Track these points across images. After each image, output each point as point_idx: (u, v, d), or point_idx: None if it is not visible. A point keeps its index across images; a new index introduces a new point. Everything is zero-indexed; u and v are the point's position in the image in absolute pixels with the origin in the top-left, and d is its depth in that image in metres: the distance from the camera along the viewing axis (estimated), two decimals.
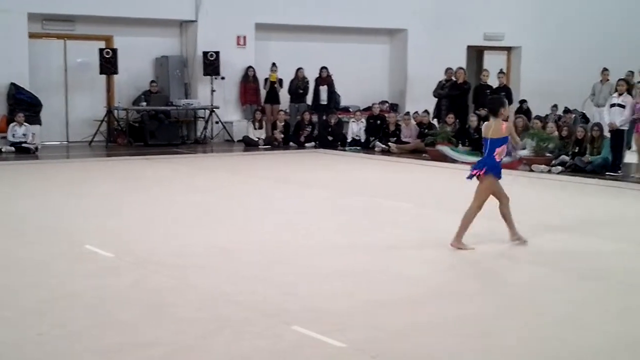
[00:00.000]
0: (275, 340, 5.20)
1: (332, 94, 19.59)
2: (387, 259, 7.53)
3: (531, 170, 14.36)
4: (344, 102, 20.23)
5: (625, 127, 13.83)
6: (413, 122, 18.12)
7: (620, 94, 13.85)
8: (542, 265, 7.35)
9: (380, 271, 7.08)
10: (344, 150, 18.12)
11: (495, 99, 8.65)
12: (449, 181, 13.47)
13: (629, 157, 14.16)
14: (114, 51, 18.07)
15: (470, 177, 8.13)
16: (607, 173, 13.57)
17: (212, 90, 18.93)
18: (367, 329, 5.44)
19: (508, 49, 23.30)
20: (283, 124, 18.86)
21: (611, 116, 13.80)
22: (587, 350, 5.10)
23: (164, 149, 17.25)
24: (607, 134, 14.21)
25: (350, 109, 20.02)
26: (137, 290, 6.35)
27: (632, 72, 18.27)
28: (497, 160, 7.95)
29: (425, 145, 16.77)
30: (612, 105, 13.84)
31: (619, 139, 13.81)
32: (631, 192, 12.21)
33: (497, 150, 7.98)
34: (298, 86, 19.39)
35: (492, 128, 8.04)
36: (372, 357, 4.91)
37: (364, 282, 6.68)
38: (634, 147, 14.04)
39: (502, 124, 8.10)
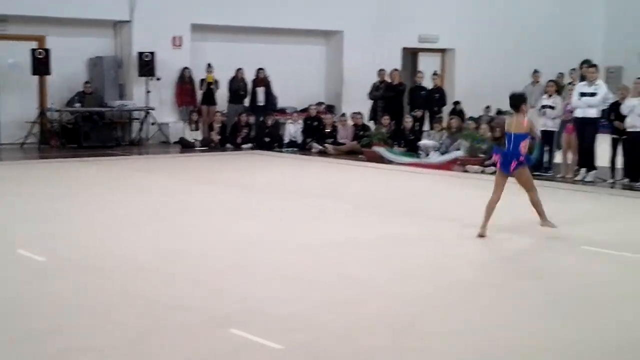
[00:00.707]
0: (214, 344, 5.21)
1: (269, 96, 19.60)
2: (327, 260, 7.59)
3: (465, 171, 14.61)
4: (280, 104, 20.25)
5: (555, 129, 14.15)
6: (349, 123, 18.26)
7: (549, 96, 14.16)
8: (479, 264, 7.50)
9: (321, 272, 7.14)
10: (281, 151, 18.15)
11: (516, 95, 8.93)
12: (385, 182, 13.62)
13: (559, 157, 14.49)
14: (47, 51, 17.76)
15: (507, 171, 8.66)
16: (535, 173, 13.85)
17: (148, 91, 18.75)
18: (308, 330, 5.48)
19: (442, 51, 23.63)
20: (220, 125, 18.80)
21: (541, 117, 14.09)
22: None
23: (98, 151, 17.01)
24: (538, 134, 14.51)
25: (287, 111, 20.06)
26: (74, 295, 6.28)
27: (562, 74, 18.69)
28: (522, 153, 8.51)
29: (361, 146, 16.92)
30: (543, 107, 14.15)
31: (549, 140, 14.13)
32: (562, 191, 12.50)
33: (522, 144, 8.53)
34: (239, 87, 19.36)
35: (515, 123, 8.55)
36: (312, 359, 4.96)
37: (305, 284, 6.72)
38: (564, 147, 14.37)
39: (524, 119, 8.56)
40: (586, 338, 5.42)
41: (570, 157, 13.82)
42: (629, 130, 12.84)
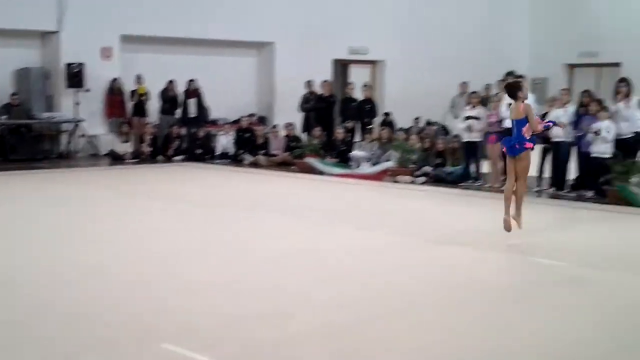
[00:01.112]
0: (145, 358, 5.17)
1: (201, 107, 19.52)
2: (258, 272, 7.59)
3: (396, 182, 14.79)
4: (212, 115, 20.19)
5: (479, 139, 14.43)
6: (281, 134, 18.30)
7: (473, 107, 14.43)
8: (405, 274, 7.59)
9: (252, 284, 7.13)
10: (213, 163, 18.09)
11: (512, 83, 9.39)
12: (318, 193, 13.69)
13: (486, 167, 14.78)
14: None
15: (515, 152, 8.95)
16: (463, 184, 14.12)
17: (77, 103, 18.48)
18: (238, 343, 5.47)
19: (372, 63, 23.88)
20: (151, 137, 18.64)
21: (465, 128, 14.34)
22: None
23: (25, 164, 16.69)
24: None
25: (219, 122, 19.99)
26: None
27: (489, 85, 19.06)
28: (527, 137, 8.86)
29: (294, 157, 16.97)
30: (466, 118, 14.40)
31: (473, 150, 14.39)
32: (490, 201, 12.74)
33: (523, 129, 8.89)
34: (172, 98, 19.24)
35: (514, 110, 9.05)
36: None
37: (234, 296, 6.71)
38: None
39: (520, 105, 8.97)
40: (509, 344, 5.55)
41: (496, 167, 14.08)
42: (554, 140, 13.18)
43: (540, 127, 9.13)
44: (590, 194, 12.84)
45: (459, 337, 5.66)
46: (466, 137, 14.41)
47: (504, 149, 9.30)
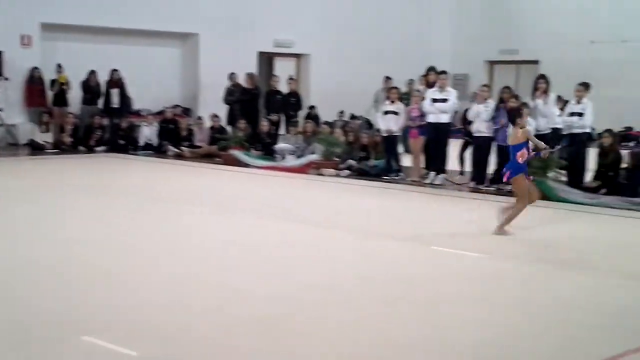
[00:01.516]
0: (64, 350, 5.11)
1: (124, 97, 19.26)
2: (183, 265, 7.54)
3: (320, 174, 14.87)
4: (136, 106, 19.94)
5: (399, 133, 14.61)
6: (206, 126, 18.20)
7: (392, 102, 14.59)
8: (330, 266, 7.66)
9: (176, 277, 7.08)
10: (136, 154, 17.87)
11: (513, 108, 9.88)
12: (243, 185, 13.67)
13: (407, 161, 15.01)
14: None
15: (502, 180, 9.68)
16: (385, 178, 14.29)
17: None
18: (161, 336, 5.44)
19: (297, 56, 23.92)
20: (72, 127, 18.30)
21: (386, 122, 14.50)
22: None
23: None
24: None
25: (142, 113, 19.77)
26: None
27: (412, 80, 19.28)
28: (520, 162, 9.14)
29: (219, 149, 16.90)
30: (386, 112, 14.56)
31: (393, 145, 14.56)
32: (411, 194, 12.96)
33: (518, 154, 9.15)
34: (93, 89, 18.91)
35: (512, 136, 9.37)
36: None
37: (158, 289, 6.66)
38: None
39: (518, 131, 9.23)
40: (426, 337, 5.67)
41: (418, 161, 14.29)
42: (475, 135, 13.44)
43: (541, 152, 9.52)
44: (509, 187, 13.13)
45: (386, 331, 5.74)
46: (385, 132, 14.56)
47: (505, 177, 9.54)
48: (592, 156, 13.00)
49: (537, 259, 8.15)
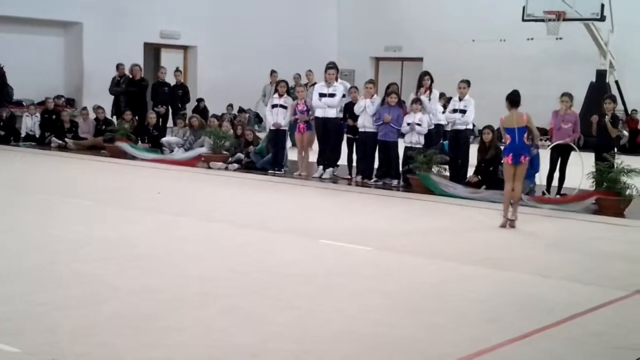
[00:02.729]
0: None
1: (4, 87, 18.62)
2: (62, 258, 7.40)
3: (209, 167, 14.81)
4: (17, 96, 19.30)
5: (286, 127, 14.73)
6: (91, 118, 17.82)
7: (280, 95, 14.67)
8: (213, 259, 7.68)
9: (55, 269, 6.95)
10: (18, 145, 17.33)
11: (517, 93, 9.95)
12: (128, 177, 13.48)
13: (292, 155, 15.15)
14: None
15: (517, 161, 9.74)
16: (270, 172, 14.38)
17: None
18: (43, 331, 5.33)
19: (185, 48, 23.70)
20: None
21: (273, 116, 14.57)
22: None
23: None
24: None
25: (24, 103, 19.17)
26: None
27: (299, 75, 19.45)
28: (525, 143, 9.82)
29: (104, 141, 16.58)
30: (274, 106, 14.63)
31: (280, 139, 14.66)
32: (300, 188, 13.08)
33: (524, 136, 9.74)
34: None
35: (516, 118, 9.72)
36: None
37: (37, 284, 6.52)
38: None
39: (523, 114, 9.75)
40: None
41: (305, 155, 14.42)
42: (360, 130, 13.66)
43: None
44: (395, 182, 13.45)
45: (266, 324, 5.80)
46: (272, 126, 14.63)
47: (508, 159, 9.80)
48: (473, 152, 13.42)
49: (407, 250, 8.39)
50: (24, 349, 5.00)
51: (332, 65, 14.18)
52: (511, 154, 9.88)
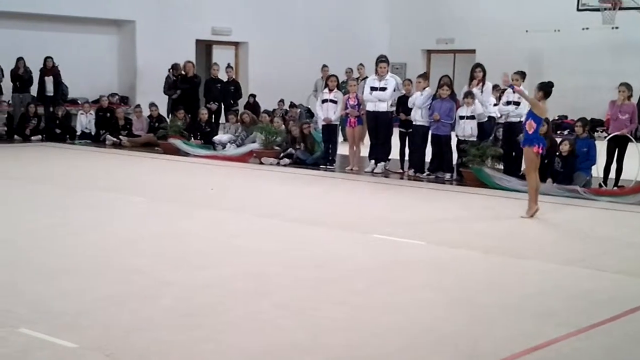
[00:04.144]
0: (0, 344, 5.03)
1: (59, 85, 18.90)
2: (117, 254, 7.50)
3: (261, 163, 14.85)
4: (72, 94, 19.59)
5: (337, 122, 14.68)
6: (144, 115, 18.01)
7: (331, 90, 14.62)
8: (268, 255, 7.68)
9: (111, 265, 7.03)
10: (74, 143, 17.61)
11: (550, 84, 9.94)
12: (181, 173, 13.57)
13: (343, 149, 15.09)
14: None
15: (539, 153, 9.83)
16: (322, 167, 14.35)
17: None
18: (99, 326, 5.40)
19: (236, 44, 23.79)
20: (6, 116, 17.93)
21: (324, 111, 14.54)
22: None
23: None
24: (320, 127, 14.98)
25: (79, 101, 19.45)
26: None
27: (350, 69, 19.37)
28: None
29: (158, 138, 16.74)
30: (324, 101, 14.59)
31: (332, 133, 14.62)
32: (350, 182, 13.03)
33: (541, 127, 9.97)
34: (21, 76, 18.51)
35: (540, 108, 9.74)
36: (106, 355, 4.90)
37: (93, 278, 6.60)
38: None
39: (544, 105, 9.80)
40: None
41: (357, 150, 14.34)
42: (414, 124, 13.55)
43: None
44: (448, 175, 13.33)
45: (319, 319, 5.78)
46: (322, 121, 14.60)
47: (539, 149, 9.79)
48: None
49: (468, 246, 8.29)
50: (80, 344, 5.06)
51: (383, 59, 14.09)
52: (541, 144, 9.78)
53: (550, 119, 12.21)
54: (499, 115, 13.43)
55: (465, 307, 6.09)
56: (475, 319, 5.79)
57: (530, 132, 9.72)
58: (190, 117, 17.33)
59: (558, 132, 20.56)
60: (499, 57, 21.39)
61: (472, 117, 12.99)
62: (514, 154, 12.87)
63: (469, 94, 13.10)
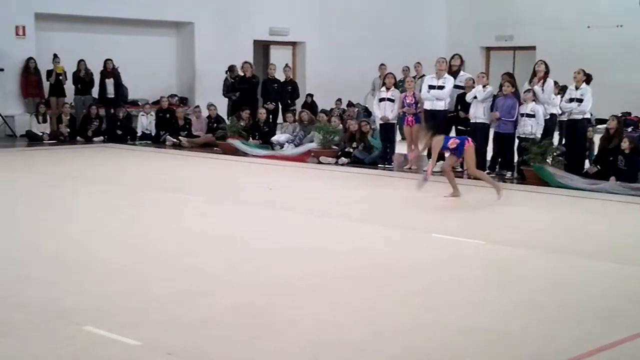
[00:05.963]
0: (66, 342, 5.10)
1: (119, 87, 19.20)
2: (178, 252, 7.56)
3: (319, 162, 14.86)
4: (132, 96, 19.88)
5: (394, 121, 14.60)
6: (203, 115, 18.17)
7: (388, 89, 14.54)
8: (329, 255, 7.66)
9: (171, 264, 7.10)
10: (134, 144, 17.85)
11: None
12: (240, 173, 13.65)
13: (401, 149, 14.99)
14: None
15: None
16: (380, 166, 14.28)
17: None
18: (161, 324, 5.45)
19: (293, 44, 23.86)
20: (69, 117, 18.27)
21: (381, 110, 14.47)
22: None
23: None
24: (377, 126, 14.91)
25: (139, 103, 19.72)
26: None
27: (407, 68, 19.27)
28: None
29: (217, 139, 16.87)
30: (381, 100, 14.53)
31: (390, 132, 14.54)
32: (407, 181, 12.93)
33: None
34: (82, 78, 18.84)
35: None
36: (167, 353, 4.94)
37: (154, 277, 6.67)
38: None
39: None
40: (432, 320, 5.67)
41: (414, 148, 14.23)
42: (472, 121, 13.40)
43: None
44: (509, 174, 13.15)
45: (377, 319, 5.75)
46: (380, 120, 14.54)
47: None
48: (596, 141, 12.96)
49: (531, 245, 8.15)
50: (143, 341, 5.11)
51: (444, 60, 14.04)
52: None
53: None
54: (560, 113, 13.20)
55: (527, 308, 5.98)
56: (537, 320, 5.69)
57: None
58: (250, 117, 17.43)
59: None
60: (560, 53, 21.06)
61: (533, 115, 12.79)
62: (576, 151, 12.63)
63: (530, 91, 12.91)
